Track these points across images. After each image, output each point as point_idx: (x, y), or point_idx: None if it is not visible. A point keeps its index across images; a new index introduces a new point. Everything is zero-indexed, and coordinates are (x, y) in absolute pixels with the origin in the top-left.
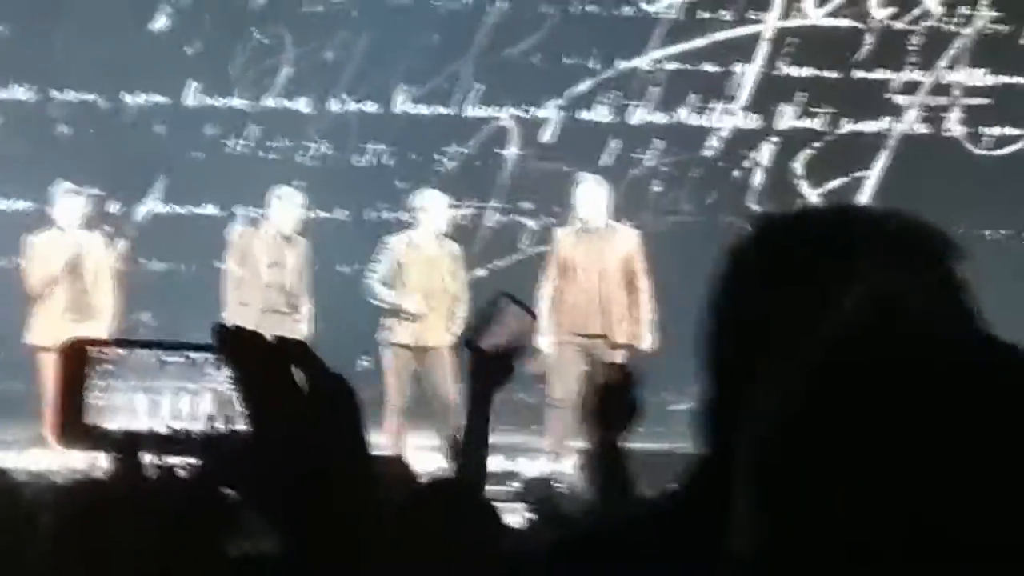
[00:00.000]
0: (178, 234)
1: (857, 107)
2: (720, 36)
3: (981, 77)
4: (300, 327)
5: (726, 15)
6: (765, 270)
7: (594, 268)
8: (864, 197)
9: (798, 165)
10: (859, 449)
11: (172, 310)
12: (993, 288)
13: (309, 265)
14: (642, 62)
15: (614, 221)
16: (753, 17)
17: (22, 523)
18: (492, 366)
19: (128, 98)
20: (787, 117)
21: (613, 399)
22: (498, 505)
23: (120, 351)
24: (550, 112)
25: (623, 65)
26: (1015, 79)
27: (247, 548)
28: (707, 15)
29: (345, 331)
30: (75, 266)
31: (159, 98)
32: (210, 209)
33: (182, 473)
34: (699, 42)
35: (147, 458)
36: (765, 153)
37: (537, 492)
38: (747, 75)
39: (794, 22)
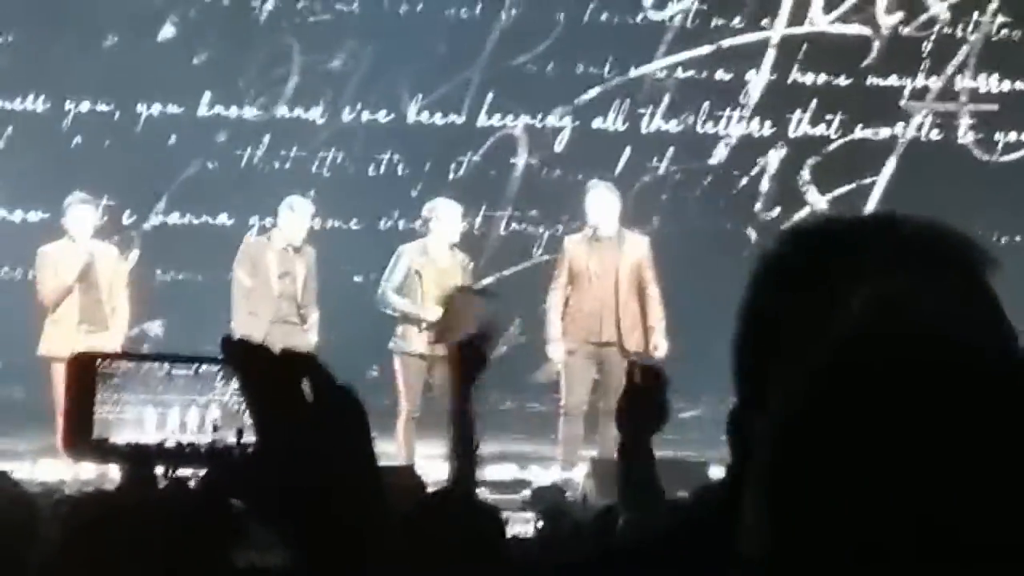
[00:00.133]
0: (191, 244)
1: (865, 114)
2: (728, 43)
3: (989, 83)
4: (309, 337)
5: (734, 23)
6: (790, 277)
7: (606, 276)
8: (872, 204)
9: (806, 172)
10: (863, 450)
11: (185, 320)
12: (999, 293)
13: (315, 274)
14: (651, 70)
15: (623, 228)
16: (761, 25)
17: (33, 533)
18: (465, 359)
19: (141, 108)
20: (795, 124)
21: (645, 401)
22: (508, 513)
23: (129, 364)
24: (560, 120)
25: (632, 73)
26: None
27: (254, 559)
28: (716, 23)
29: (356, 341)
30: (88, 276)
31: (173, 108)
32: (223, 219)
33: (190, 485)
34: (708, 50)
35: (156, 470)
36: (773, 160)
37: (548, 500)
38: (755, 82)
39: (802, 29)
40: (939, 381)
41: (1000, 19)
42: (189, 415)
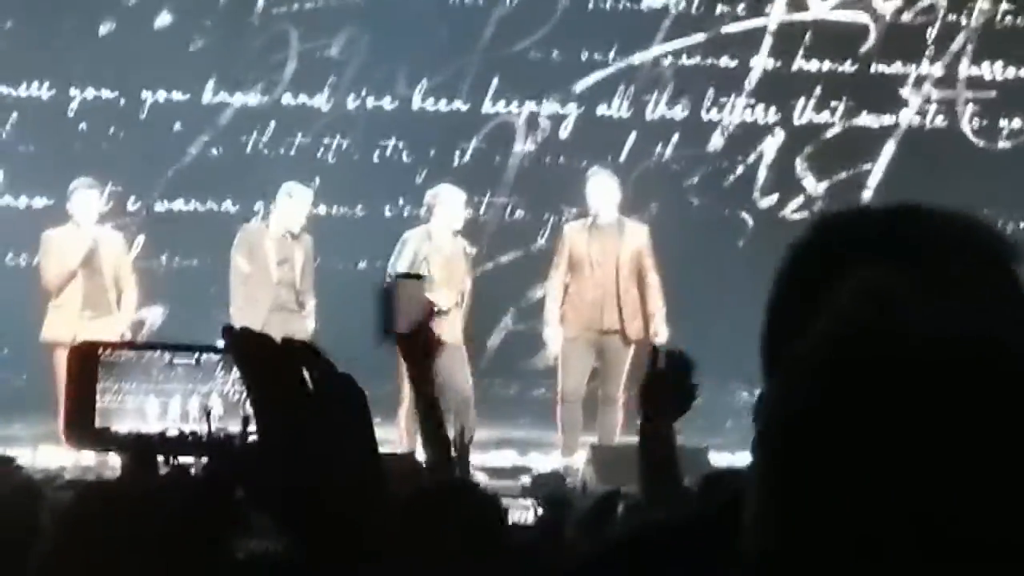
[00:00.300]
0: (195, 230)
1: (863, 101)
2: (726, 30)
3: (988, 70)
4: (307, 324)
5: (733, 9)
6: (815, 266)
7: (607, 263)
8: (870, 191)
9: (804, 158)
10: (861, 446)
11: (189, 306)
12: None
13: (312, 261)
14: (651, 55)
15: (622, 215)
16: (759, 11)
17: (34, 519)
18: (415, 344)
19: (146, 95)
20: (793, 111)
21: (670, 384)
22: (508, 500)
23: (130, 353)
24: (560, 106)
25: (633, 59)
26: (1023, 72)
27: (255, 548)
28: (714, 9)
29: (358, 328)
30: (91, 262)
31: (178, 95)
32: (227, 205)
33: (191, 473)
34: (706, 36)
35: (156, 459)
36: (771, 146)
37: (548, 487)
38: (753, 69)
39: (799, 16)
40: (944, 378)
41: (1001, 6)
42: (190, 404)
